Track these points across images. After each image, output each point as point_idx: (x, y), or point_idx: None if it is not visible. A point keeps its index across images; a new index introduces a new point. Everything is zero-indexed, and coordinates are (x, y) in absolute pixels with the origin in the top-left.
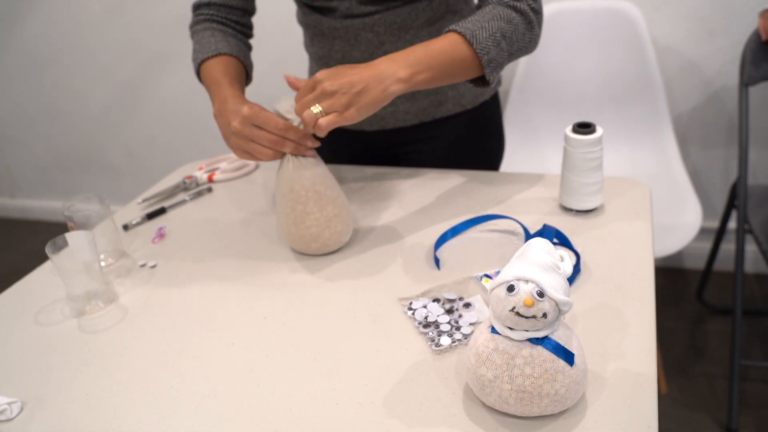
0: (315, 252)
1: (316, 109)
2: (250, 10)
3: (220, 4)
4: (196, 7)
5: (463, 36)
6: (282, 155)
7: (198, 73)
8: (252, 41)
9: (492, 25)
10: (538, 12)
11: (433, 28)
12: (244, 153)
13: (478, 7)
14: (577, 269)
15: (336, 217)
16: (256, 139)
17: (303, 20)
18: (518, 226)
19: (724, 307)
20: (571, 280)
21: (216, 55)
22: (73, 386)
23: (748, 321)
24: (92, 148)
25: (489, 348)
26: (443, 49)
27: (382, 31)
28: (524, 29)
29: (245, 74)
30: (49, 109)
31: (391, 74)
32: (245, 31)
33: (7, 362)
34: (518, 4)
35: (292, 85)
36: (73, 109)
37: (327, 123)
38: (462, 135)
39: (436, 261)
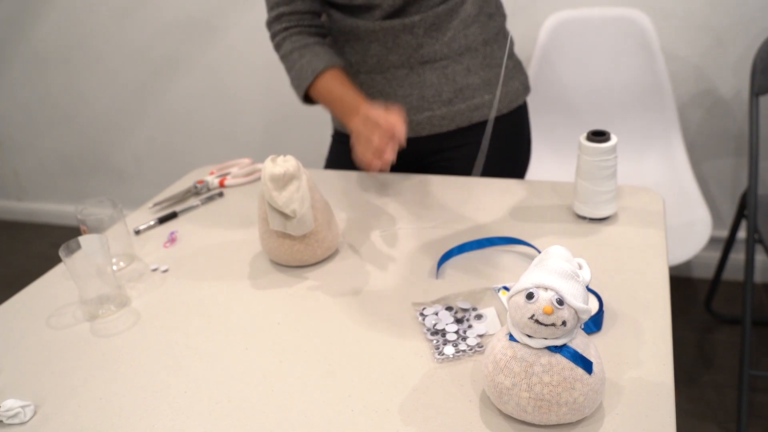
0: (296, 264)
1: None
2: (319, 12)
3: (290, 12)
4: (270, 24)
5: None
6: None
7: (305, 99)
8: (269, 53)
9: None
10: None
11: (469, 30)
12: (367, 162)
13: None
14: (600, 312)
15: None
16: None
17: (335, 27)
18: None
19: (733, 317)
20: (598, 322)
21: (319, 75)
22: (86, 390)
23: (757, 331)
24: (99, 152)
25: (507, 355)
26: None
27: (421, 33)
28: None
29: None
30: (57, 113)
31: None
32: (321, 32)
33: (20, 365)
34: None
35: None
36: (81, 112)
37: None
38: (493, 141)
39: (437, 270)
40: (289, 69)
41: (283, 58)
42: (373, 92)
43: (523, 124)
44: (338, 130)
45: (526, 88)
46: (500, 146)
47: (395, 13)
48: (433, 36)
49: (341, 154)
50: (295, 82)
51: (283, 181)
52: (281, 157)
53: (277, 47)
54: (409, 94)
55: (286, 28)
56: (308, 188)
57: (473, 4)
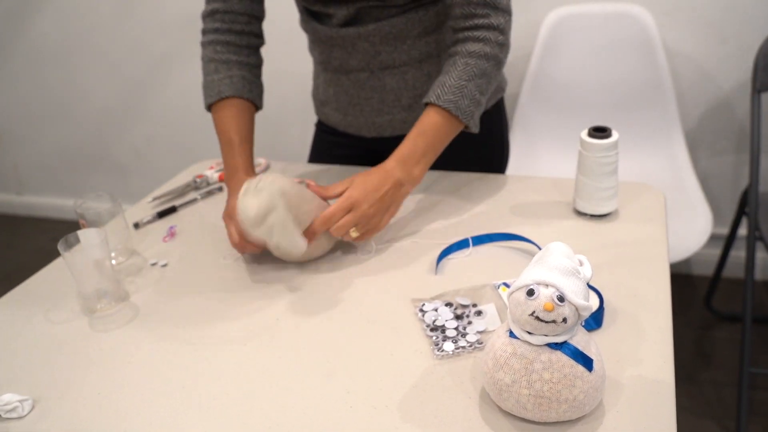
0: (295, 260)
1: (354, 233)
2: (258, 15)
3: (225, 11)
4: (204, 18)
5: (448, 110)
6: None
7: (210, 110)
8: (266, 50)
9: (470, 87)
10: (504, 45)
11: (430, 38)
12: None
13: (449, 53)
14: (601, 309)
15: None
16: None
17: (304, 27)
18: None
19: (732, 314)
20: (599, 319)
21: (222, 99)
22: (84, 384)
23: (757, 329)
24: (99, 147)
25: (507, 352)
26: (438, 133)
27: (377, 41)
28: (495, 73)
29: (254, 110)
30: (57, 107)
31: (407, 179)
32: (251, 40)
33: (18, 360)
34: (487, 50)
35: (318, 193)
36: (81, 107)
37: (363, 240)
38: (460, 145)
39: (437, 266)
40: (204, 74)
41: (203, 60)
42: (338, 91)
43: (492, 127)
44: (322, 120)
45: (498, 90)
46: (466, 151)
47: (351, 22)
48: (390, 44)
49: (324, 144)
50: (204, 91)
51: (260, 218)
52: (254, 185)
53: (203, 46)
54: (371, 97)
55: (216, 30)
56: (293, 205)
57: (436, 13)
